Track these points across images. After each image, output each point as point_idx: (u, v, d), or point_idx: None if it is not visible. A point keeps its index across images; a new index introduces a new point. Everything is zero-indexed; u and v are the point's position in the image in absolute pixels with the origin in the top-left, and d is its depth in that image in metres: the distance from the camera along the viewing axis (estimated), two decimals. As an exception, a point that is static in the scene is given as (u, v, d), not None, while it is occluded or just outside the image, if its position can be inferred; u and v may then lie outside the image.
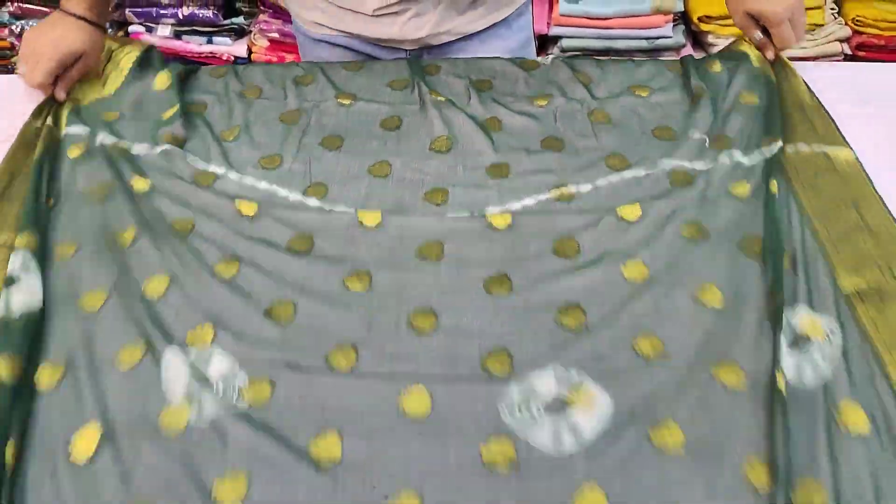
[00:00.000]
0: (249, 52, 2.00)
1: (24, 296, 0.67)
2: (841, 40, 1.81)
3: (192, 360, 0.63)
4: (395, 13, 0.99)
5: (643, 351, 0.63)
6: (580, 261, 0.71)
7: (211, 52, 1.99)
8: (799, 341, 0.64)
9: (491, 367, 0.62)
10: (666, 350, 0.63)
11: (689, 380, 0.61)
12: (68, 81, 0.93)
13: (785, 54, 0.96)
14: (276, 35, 1.95)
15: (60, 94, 0.92)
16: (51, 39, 0.91)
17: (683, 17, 1.86)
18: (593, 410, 0.59)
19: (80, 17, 0.92)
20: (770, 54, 0.96)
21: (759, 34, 0.96)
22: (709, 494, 0.54)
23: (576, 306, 0.66)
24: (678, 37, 1.83)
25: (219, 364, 0.63)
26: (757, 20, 0.95)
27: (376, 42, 1.05)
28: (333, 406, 0.60)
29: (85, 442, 0.57)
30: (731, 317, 0.66)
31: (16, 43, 2.01)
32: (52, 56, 0.90)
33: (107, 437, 0.58)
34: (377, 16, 1.00)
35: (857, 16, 1.80)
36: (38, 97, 0.93)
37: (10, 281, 0.68)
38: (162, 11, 1.95)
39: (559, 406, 0.59)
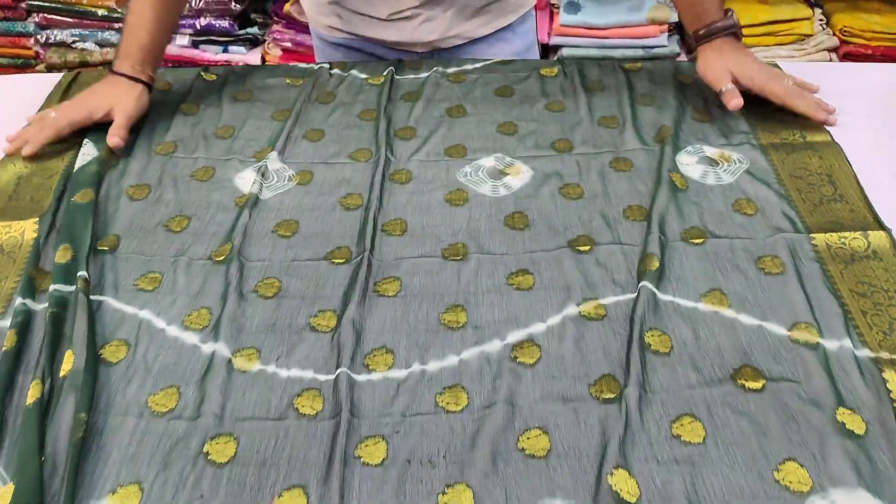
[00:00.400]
0: (263, 60, 2.09)
1: (84, 154, 0.91)
2: (829, 50, 1.90)
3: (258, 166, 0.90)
4: (408, 17, 1.08)
5: (558, 147, 0.91)
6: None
7: (226, 61, 2.08)
8: (707, 161, 0.87)
9: (449, 154, 0.91)
10: (573, 145, 0.91)
11: (590, 160, 0.89)
12: (116, 130, 0.92)
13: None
14: (288, 45, 2.04)
15: (115, 141, 0.91)
16: (71, 106, 0.95)
17: (678, 27, 1.94)
18: (520, 176, 0.87)
19: (120, 74, 0.95)
20: (735, 104, 0.91)
21: (730, 84, 0.92)
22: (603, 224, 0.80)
23: (512, 124, 0.96)
24: (672, 46, 1.92)
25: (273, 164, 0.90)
26: (735, 81, 0.93)
27: (389, 45, 1.13)
28: None
29: (177, 223, 0.83)
30: (630, 131, 0.93)
31: (41, 52, 2.11)
32: (65, 121, 0.92)
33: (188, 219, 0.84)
34: (391, 20, 1.08)
35: (845, 26, 1.88)
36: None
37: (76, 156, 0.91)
38: (181, 22, 2.05)
39: (497, 174, 0.87)
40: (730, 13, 0.97)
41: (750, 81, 0.93)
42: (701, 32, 0.97)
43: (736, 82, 0.93)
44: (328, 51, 1.19)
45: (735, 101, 0.91)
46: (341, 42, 1.16)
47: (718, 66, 0.94)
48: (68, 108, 0.95)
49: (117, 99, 0.94)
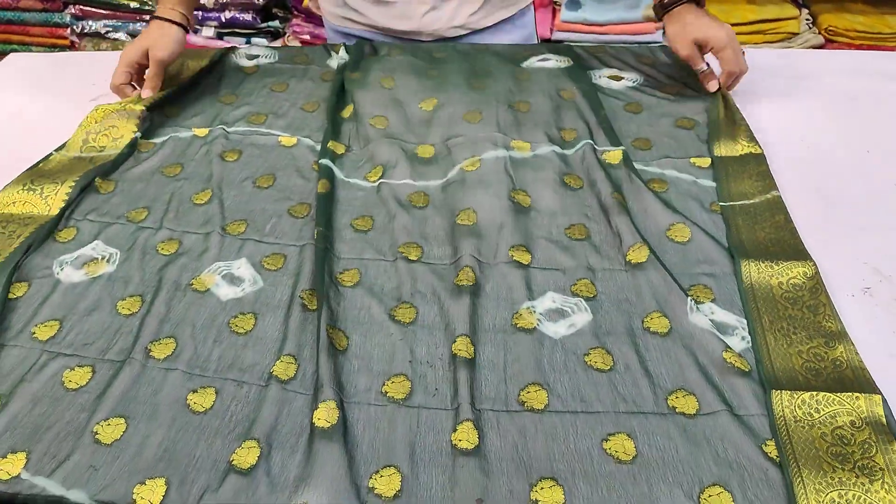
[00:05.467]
0: (283, 52, 2.23)
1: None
2: (815, 47, 2.01)
3: None
4: (416, 3, 1.21)
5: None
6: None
7: (249, 52, 2.22)
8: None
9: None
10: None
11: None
12: (148, 81, 1.07)
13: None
14: (307, 37, 2.18)
15: (145, 93, 1.06)
16: (129, 47, 1.09)
17: (673, 25, 2.06)
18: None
19: (171, 22, 1.09)
20: (713, 85, 1.04)
21: (704, 65, 1.04)
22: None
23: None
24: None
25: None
26: (701, 49, 1.03)
27: (397, 34, 1.26)
28: None
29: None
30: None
31: (76, 41, 2.25)
32: (123, 60, 1.08)
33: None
34: (398, 5, 1.21)
35: (830, 26, 2.00)
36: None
37: None
38: (207, 15, 2.19)
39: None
40: None
41: (709, 49, 1.02)
42: (666, 1, 1.04)
43: (700, 49, 1.03)
44: (340, 41, 1.31)
45: (712, 84, 1.04)
46: (352, 32, 1.29)
47: (684, 39, 1.03)
48: (122, 58, 1.09)
49: (152, 42, 1.07)
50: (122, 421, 0.64)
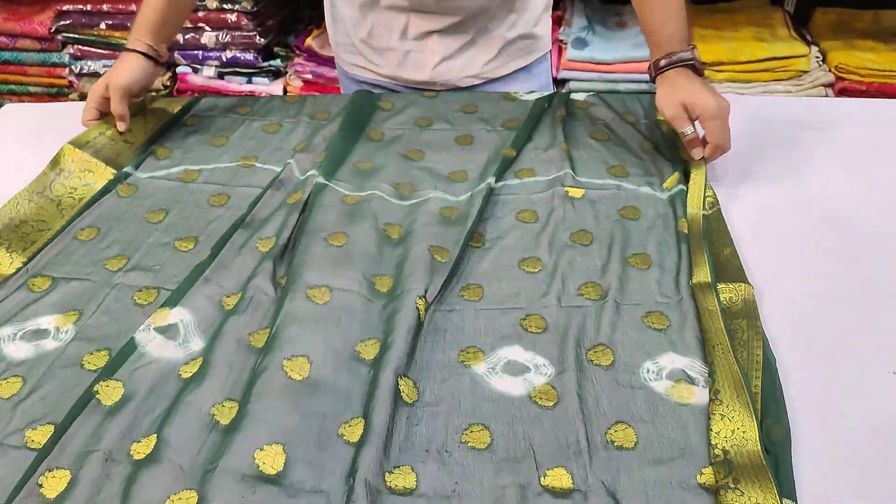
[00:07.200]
0: (285, 91, 2.19)
1: None
2: (825, 85, 1.98)
3: None
4: (424, 53, 1.17)
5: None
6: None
7: (250, 91, 2.19)
8: None
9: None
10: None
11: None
12: (112, 111, 1.07)
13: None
14: (309, 76, 2.15)
15: (120, 126, 1.07)
16: (102, 79, 1.08)
17: (680, 63, 2.03)
18: None
19: (134, 51, 1.08)
20: (697, 153, 0.95)
21: (690, 128, 0.95)
22: None
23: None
24: (675, 81, 2.01)
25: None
26: (690, 114, 0.94)
27: (410, 85, 1.22)
28: None
29: None
30: None
31: (74, 81, 2.22)
32: (90, 97, 1.08)
33: None
34: (410, 54, 1.18)
35: (840, 63, 1.96)
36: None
37: None
38: (207, 54, 2.16)
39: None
40: (691, 47, 0.96)
41: (696, 116, 0.94)
42: (661, 63, 0.96)
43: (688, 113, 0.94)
44: (353, 87, 1.28)
45: (696, 151, 0.96)
46: (366, 80, 1.26)
47: (670, 99, 0.95)
48: (89, 94, 1.10)
49: (111, 73, 1.08)
50: None
